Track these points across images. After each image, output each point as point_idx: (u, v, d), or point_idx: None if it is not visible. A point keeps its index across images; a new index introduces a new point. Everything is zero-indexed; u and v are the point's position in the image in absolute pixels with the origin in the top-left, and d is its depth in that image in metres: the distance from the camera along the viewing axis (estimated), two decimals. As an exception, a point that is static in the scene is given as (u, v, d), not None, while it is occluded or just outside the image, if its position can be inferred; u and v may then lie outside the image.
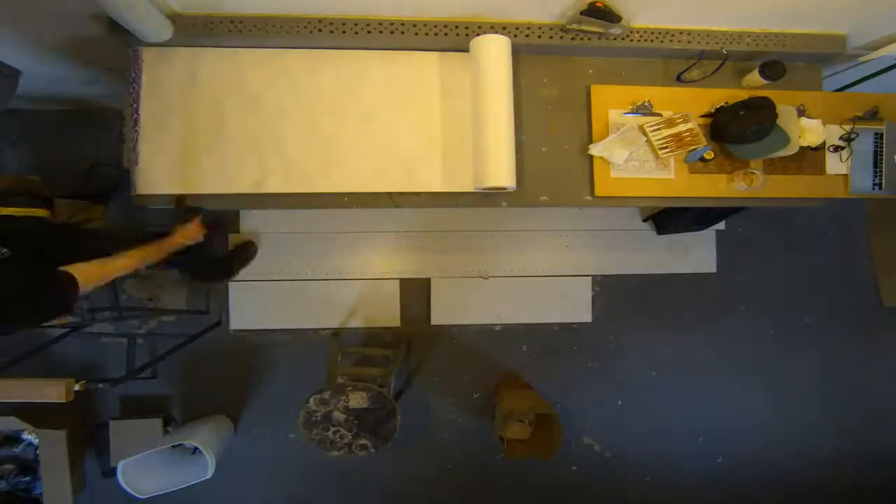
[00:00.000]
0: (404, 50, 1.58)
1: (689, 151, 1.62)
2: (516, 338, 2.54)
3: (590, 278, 2.54)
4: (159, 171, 1.50)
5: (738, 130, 1.54)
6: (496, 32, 1.52)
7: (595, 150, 1.58)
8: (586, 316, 2.56)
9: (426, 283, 2.50)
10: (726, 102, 1.62)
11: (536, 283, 2.54)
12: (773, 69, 1.59)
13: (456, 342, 2.51)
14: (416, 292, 2.50)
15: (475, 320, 2.52)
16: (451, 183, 1.56)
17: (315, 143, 1.54)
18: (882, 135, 1.71)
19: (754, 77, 1.63)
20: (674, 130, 1.62)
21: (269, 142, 1.53)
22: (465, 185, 1.56)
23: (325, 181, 1.53)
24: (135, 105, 1.50)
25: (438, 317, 2.51)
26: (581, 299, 2.56)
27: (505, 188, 1.49)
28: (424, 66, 1.58)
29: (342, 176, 1.54)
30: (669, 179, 1.63)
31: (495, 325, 2.53)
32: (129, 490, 1.97)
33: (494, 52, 1.48)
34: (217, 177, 1.52)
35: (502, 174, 1.46)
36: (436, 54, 1.58)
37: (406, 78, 1.57)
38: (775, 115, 1.55)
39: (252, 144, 1.53)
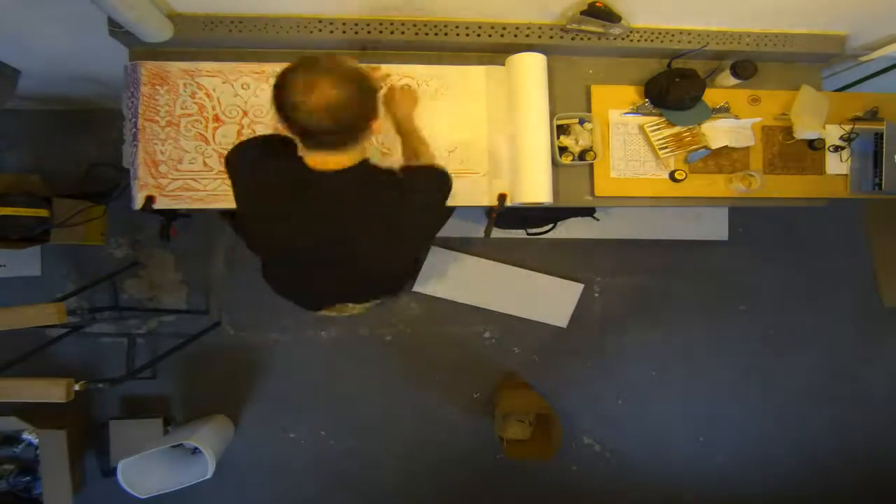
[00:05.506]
0: (402, 52, 1.58)
1: (690, 151, 1.63)
2: (515, 337, 2.53)
3: (581, 285, 2.52)
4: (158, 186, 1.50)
5: (678, 96, 1.57)
6: (496, 32, 1.53)
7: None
8: (563, 321, 2.52)
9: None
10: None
11: (526, 276, 2.50)
12: (744, 68, 1.59)
13: (455, 342, 2.50)
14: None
15: (455, 297, 2.48)
16: None
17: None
18: (882, 135, 1.71)
19: (726, 76, 1.63)
20: (674, 130, 1.63)
21: None
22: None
23: None
24: (133, 119, 1.49)
25: (420, 285, 2.46)
26: (564, 304, 2.52)
27: (542, 204, 1.52)
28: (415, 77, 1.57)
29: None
30: (669, 180, 1.64)
31: (478, 307, 2.49)
32: (129, 490, 1.97)
33: (533, 70, 1.51)
34: (217, 191, 1.51)
35: (541, 191, 1.50)
36: (425, 67, 1.57)
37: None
38: (704, 85, 1.58)
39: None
